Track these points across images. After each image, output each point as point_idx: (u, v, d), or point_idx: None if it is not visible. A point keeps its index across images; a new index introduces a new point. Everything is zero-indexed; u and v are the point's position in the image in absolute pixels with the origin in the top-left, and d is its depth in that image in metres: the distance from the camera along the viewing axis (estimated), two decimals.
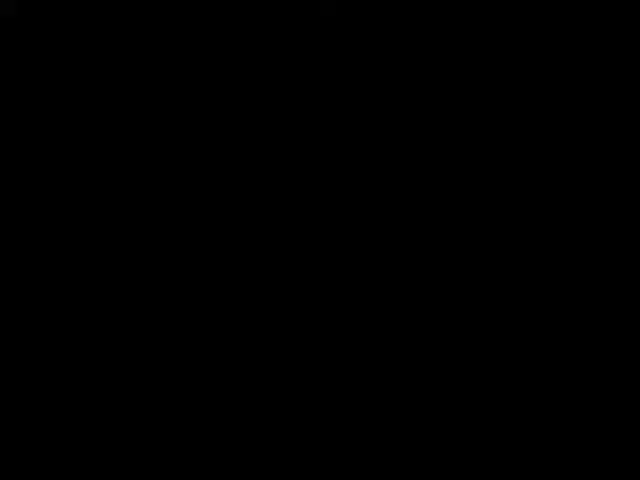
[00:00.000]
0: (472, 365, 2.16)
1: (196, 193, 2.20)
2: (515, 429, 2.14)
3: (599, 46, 2.18)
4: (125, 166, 2.20)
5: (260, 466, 2.15)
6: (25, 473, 2.14)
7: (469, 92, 2.19)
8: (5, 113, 2.21)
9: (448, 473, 2.13)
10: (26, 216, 2.19)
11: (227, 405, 2.17)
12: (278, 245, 2.19)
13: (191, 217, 2.20)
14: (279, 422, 2.16)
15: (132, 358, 2.17)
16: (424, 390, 2.16)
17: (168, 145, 2.21)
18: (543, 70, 2.19)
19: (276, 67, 2.21)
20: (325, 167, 2.20)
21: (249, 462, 2.15)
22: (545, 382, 2.15)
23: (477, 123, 2.20)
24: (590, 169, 2.18)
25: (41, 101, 2.21)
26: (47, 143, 2.21)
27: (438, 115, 2.20)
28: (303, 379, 2.17)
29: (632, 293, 2.14)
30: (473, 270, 2.17)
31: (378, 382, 2.17)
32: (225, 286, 2.19)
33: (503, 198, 2.18)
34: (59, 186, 2.20)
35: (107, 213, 2.19)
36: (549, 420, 2.14)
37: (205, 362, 2.17)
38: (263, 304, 2.18)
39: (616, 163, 2.18)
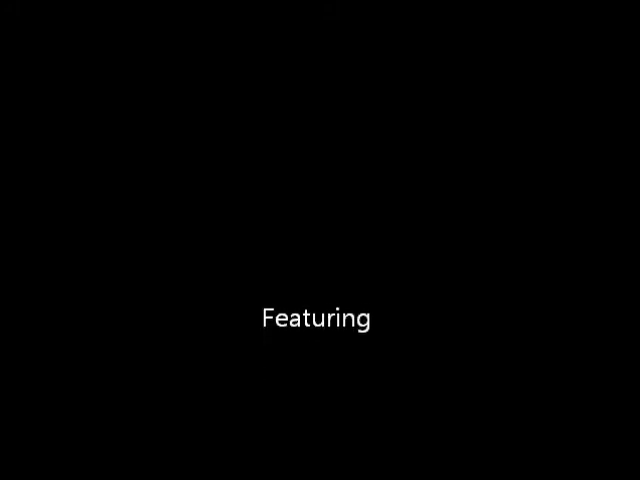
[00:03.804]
0: (472, 365, 2.16)
1: (196, 193, 2.20)
2: (515, 429, 2.14)
3: (599, 46, 2.19)
4: (125, 166, 2.19)
5: (260, 466, 2.14)
6: (25, 473, 2.13)
7: (471, 95, 2.20)
8: (5, 113, 2.20)
9: (448, 473, 2.13)
10: (26, 216, 2.18)
11: (227, 405, 2.16)
12: (278, 244, 2.19)
13: (191, 216, 2.19)
14: (279, 421, 2.16)
15: (132, 357, 2.16)
16: (424, 389, 2.16)
17: (168, 145, 2.20)
18: (543, 70, 2.20)
19: (279, 71, 2.20)
20: (326, 169, 2.19)
21: (249, 462, 2.15)
22: (545, 382, 2.15)
23: (479, 129, 2.20)
24: (590, 169, 2.18)
25: (41, 101, 2.20)
26: (47, 143, 2.20)
27: (440, 118, 2.20)
28: (302, 378, 2.17)
29: (632, 293, 2.15)
30: (473, 269, 2.17)
31: (378, 381, 2.17)
32: (224, 285, 2.18)
33: (503, 198, 2.18)
34: (60, 186, 2.19)
35: (107, 212, 2.19)
36: (549, 420, 2.14)
37: (205, 361, 2.17)
38: (263, 302, 2.18)
39: (616, 163, 2.18)
